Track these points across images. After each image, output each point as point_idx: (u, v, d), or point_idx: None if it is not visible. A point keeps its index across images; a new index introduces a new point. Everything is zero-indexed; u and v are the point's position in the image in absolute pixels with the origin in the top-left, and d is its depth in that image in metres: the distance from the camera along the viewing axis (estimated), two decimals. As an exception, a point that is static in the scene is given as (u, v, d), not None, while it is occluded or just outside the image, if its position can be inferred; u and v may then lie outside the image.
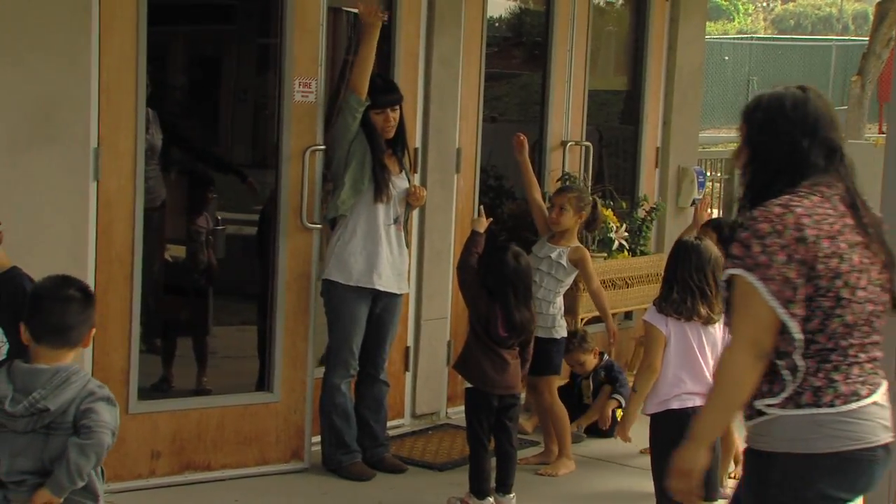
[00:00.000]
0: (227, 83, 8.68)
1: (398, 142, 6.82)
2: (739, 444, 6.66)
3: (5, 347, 4.89)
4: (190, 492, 6.21)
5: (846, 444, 3.66)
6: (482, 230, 6.47)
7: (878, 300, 3.75)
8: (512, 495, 6.36)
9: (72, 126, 5.98)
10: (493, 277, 6.28)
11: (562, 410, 7.01)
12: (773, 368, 3.69)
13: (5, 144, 5.81)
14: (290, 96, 6.64)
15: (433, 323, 7.84)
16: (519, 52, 9.38)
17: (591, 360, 7.75)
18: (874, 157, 9.08)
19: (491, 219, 6.66)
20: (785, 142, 3.79)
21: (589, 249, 8.21)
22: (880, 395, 3.75)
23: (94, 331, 4.33)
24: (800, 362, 3.66)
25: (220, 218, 7.87)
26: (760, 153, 3.86)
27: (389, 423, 7.19)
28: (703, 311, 5.48)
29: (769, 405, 3.70)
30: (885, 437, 3.73)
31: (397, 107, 6.76)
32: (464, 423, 6.73)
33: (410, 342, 7.75)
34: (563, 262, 7.01)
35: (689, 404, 5.44)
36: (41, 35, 5.85)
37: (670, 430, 5.45)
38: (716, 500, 5.67)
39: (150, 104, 6.42)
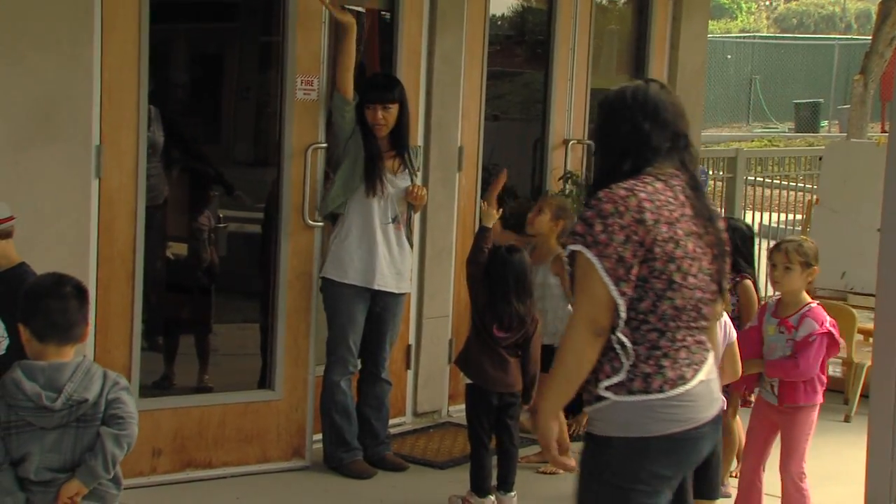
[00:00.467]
0: (229, 81, 8.68)
1: (399, 141, 6.81)
2: (742, 441, 6.67)
3: (6, 342, 4.90)
4: (191, 489, 6.22)
5: (676, 426, 3.85)
6: (490, 224, 6.47)
7: (706, 288, 3.92)
8: (513, 493, 6.37)
9: (74, 124, 5.99)
10: (491, 272, 6.29)
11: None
12: (610, 346, 3.85)
13: (8, 142, 5.81)
14: (292, 94, 6.65)
15: (435, 321, 7.84)
16: (521, 51, 9.38)
17: None
18: (877, 156, 9.08)
19: (501, 210, 6.65)
20: (626, 125, 3.96)
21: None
22: (705, 372, 3.94)
23: (90, 326, 4.36)
24: (627, 341, 3.83)
25: (221, 216, 7.87)
26: (605, 139, 4.06)
27: (391, 422, 7.20)
28: None
29: (607, 387, 3.85)
30: (710, 413, 3.96)
31: (390, 106, 6.74)
32: (465, 422, 6.74)
33: (412, 340, 7.76)
34: (550, 280, 7.02)
35: None
36: (43, 33, 5.86)
37: None
38: (716, 498, 5.67)
39: (152, 102, 6.42)
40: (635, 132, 3.95)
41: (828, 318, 6.04)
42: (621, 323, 3.81)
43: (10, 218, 5.24)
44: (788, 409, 6.02)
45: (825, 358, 6.03)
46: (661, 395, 3.84)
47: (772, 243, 7.15)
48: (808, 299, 6.11)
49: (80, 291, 4.29)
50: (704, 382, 3.93)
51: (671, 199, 3.87)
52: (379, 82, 6.97)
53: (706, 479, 5.57)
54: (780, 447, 6.09)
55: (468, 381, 6.46)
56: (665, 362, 3.85)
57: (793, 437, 6.04)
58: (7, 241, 5.21)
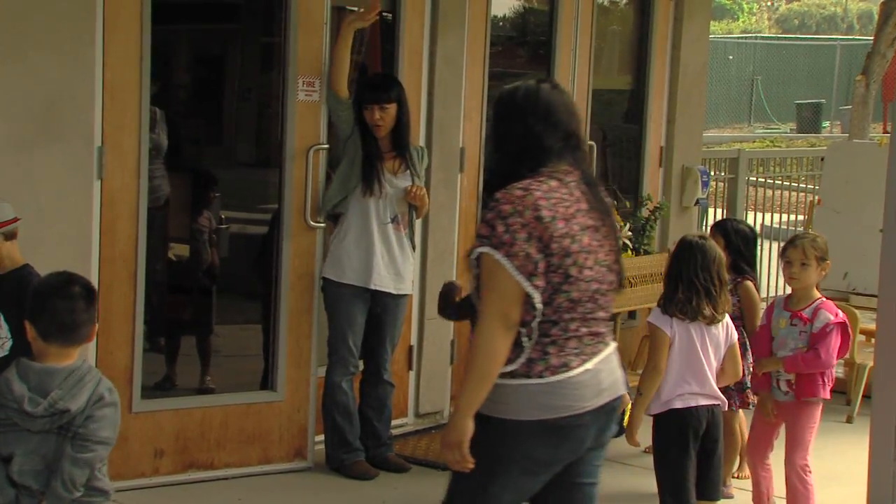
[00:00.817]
0: (230, 82, 8.69)
1: (399, 141, 6.81)
2: (743, 442, 6.68)
3: (9, 343, 4.91)
4: (193, 490, 6.22)
5: (552, 412, 3.97)
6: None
7: (603, 280, 4.07)
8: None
9: (76, 124, 6.00)
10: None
11: None
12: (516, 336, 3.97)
13: (10, 143, 5.82)
14: (293, 95, 6.66)
15: (437, 322, 7.82)
16: (523, 52, 9.38)
17: None
18: (878, 156, 9.09)
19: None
20: (519, 127, 4.10)
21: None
22: (595, 362, 4.05)
23: (97, 326, 4.34)
24: (536, 331, 3.95)
25: (223, 217, 7.88)
26: (501, 141, 4.20)
27: (393, 422, 7.20)
28: (708, 310, 5.47)
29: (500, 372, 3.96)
30: (595, 402, 4.05)
31: (387, 106, 6.74)
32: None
33: (414, 341, 7.76)
34: None
35: (693, 404, 5.45)
36: (45, 34, 5.87)
37: (673, 429, 5.47)
38: (718, 499, 5.67)
39: (154, 103, 6.42)
40: (528, 134, 4.08)
41: (839, 311, 6.14)
42: (538, 314, 3.94)
43: (15, 219, 5.25)
44: (797, 404, 6.07)
45: (840, 351, 6.10)
46: (540, 381, 3.97)
47: (773, 244, 7.16)
48: (819, 294, 6.19)
49: (89, 292, 4.29)
50: (591, 372, 4.04)
51: (566, 196, 4.01)
52: (375, 83, 6.98)
53: (707, 480, 5.58)
54: (784, 441, 6.14)
55: None
56: (551, 349, 3.99)
57: (799, 430, 6.09)
58: (12, 242, 5.22)
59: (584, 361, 4.03)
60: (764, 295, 9.00)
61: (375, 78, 7.24)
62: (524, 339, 3.97)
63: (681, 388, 5.45)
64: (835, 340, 6.01)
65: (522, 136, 4.09)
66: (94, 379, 4.20)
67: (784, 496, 6.23)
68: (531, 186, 3.97)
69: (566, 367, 3.99)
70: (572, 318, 4.00)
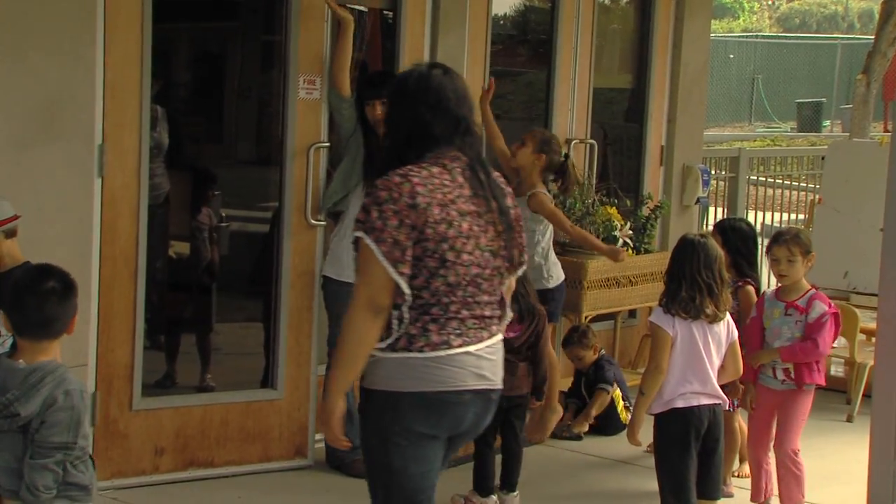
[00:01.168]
0: (231, 80, 8.68)
1: None
2: (742, 441, 6.69)
3: (9, 341, 4.91)
4: (193, 488, 6.23)
5: (430, 385, 4.08)
6: None
7: (485, 265, 4.13)
8: (516, 493, 6.38)
9: (76, 123, 6.00)
10: None
11: (554, 359, 6.91)
12: (389, 319, 4.07)
13: (10, 141, 5.83)
14: (294, 93, 6.66)
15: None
16: (524, 50, 9.39)
17: (589, 356, 7.77)
18: (879, 155, 9.08)
19: None
20: (408, 114, 4.18)
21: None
22: (478, 348, 4.15)
23: (76, 317, 4.30)
24: (406, 314, 4.05)
25: (224, 214, 7.88)
26: (393, 127, 4.30)
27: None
28: (710, 309, 5.47)
29: (376, 347, 4.08)
30: (475, 384, 4.15)
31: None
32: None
33: (415, 339, 7.75)
34: (526, 212, 6.83)
35: (694, 403, 5.45)
36: (46, 32, 5.87)
37: (675, 428, 5.47)
38: (718, 498, 5.68)
39: (155, 101, 6.42)
40: (417, 120, 4.16)
41: (830, 301, 6.35)
42: (408, 299, 4.04)
43: (15, 217, 5.25)
44: (794, 392, 6.20)
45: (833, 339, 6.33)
46: (419, 355, 4.07)
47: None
48: (808, 285, 6.35)
49: (65, 285, 4.23)
50: (473, 356, 4.14)
51: (447, 182, 4.09)
52: (374, 79, 6.99)
53: (708, 478, 5.58)
54: (777, 427, 6.25)
55: None
56: (432, 327, 4.09)
57: (794, 416, 6.22)
58: (12, 240, 5.22)
59: (466, 343, 4.13)
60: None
61: (375, 74, 7.26)
62: (394, 321, 4.06)
63: (683, 387, 5.45)
64: (830, 330, 6.20)
65: (412, 122, 4.18)
66: (53, 381, 4.14)
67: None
68: (410, 173, 4.07)
69: (447, 344, 4.10)
70: (452, 301, 4.09)
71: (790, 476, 6.25)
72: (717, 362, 5.55)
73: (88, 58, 6.02)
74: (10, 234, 5.20)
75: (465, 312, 4.12)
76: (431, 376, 4.09)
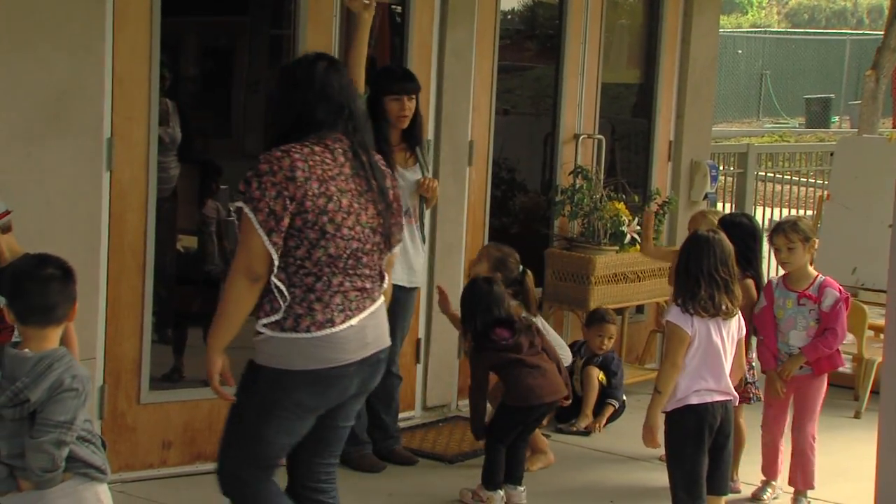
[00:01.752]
0: (239, 74, 8.70)
1: (412, 134, 6.81)
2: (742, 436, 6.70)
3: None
4: (200, 482, 6.23)
5: (317, 363, 4.34)
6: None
7: (365, 240, 4.40)
8: (522, 487, 6.38)
9: (85, 116, 6.01)
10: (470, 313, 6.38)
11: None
12: (269, 289, 4.32)
13: (19, 134, 5.83)
14: (303, 87, 6.64)
15: (444, 316, 7.84)
16: (532, 45, 9.39)
17: (611, 344, 7.77)
18: (888, 151, 9.10)
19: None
20: (296, 100, 4.44)
21: (600, 243, 8.22)
22: (360, 318, 4.42)
23: (77, 305, 4.33)
24: (282, 285, 4.29)
25: (232, 208, 7.88)
26: (277, 109, 4.53)
27: (400, 415, 7.21)
28: (727, 305, 5.46)
29: (265, 324, 4.34)
30: (359, 355, 4.43)
31: (413, 97, 6.74)
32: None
33: (422, 334, 7.77)
34: None
35: (708, 399, 5.44)
36: (55, 26, 5.87)
37: (689, 425, 5.46)
38: (727, 494, 5.68)
39: (163, 95, 6.42)
40: (303, 106, 4.42)
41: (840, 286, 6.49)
42: (276, 269, 4.27)
43: (7, 212, 5.24)
44: (811, 376, 6.38)
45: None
46: (306, 335, 4.31)
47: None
48: (816, 271, 6.50)
49: (64, 272, 4.26)
50: (356, 328, 4.40)
51: (328, 160, 4.35)
52: (401, 73, 6.93)
53: (717, 475, 5.59)
54: (795, 413, 6.42)
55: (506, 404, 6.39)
56: (317, 306, 4.32)
57: (812, 400, 6.40)
58: (9, 234, 5.22)
59: (349, 318, 4.38)
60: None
61: (398, 69, 7.16)
62: (275, 292, 4.31)
63: (697, 384, 5.45)
64: (845, 316, 6.40)
65: (298, 107, 4.43)
66: (61, 367, 4.17)
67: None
68: (292, 149, 4.32)
69: (331, 322, 4.33)
70: (334, 272, 4.34)
71: (806, 461, 6.39)
72: (730, 358, 5.55)
73: (97, 51, 6.03)
74: (6, 229, 5.20)
75: (347, 284, 4.37)
76: (319, 355, 4.35)
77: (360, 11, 6.48)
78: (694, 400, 5.45)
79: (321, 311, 4.32)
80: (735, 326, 5.56)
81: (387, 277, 4.61)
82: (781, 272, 6.64)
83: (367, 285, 4.46)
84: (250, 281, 4.30)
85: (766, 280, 6.82)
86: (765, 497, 6.55)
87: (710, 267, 5.44)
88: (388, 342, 4.62)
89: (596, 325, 7.81)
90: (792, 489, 6.51)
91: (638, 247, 8.43)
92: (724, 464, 5.62)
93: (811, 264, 6.55)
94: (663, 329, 8.14)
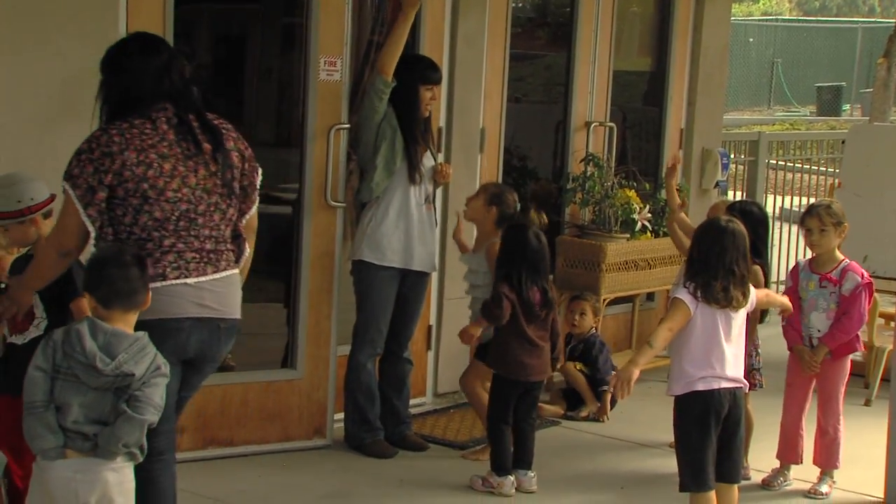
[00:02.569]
0: (252, 62, 8.70)
1: (428, 123, 6.82)
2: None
3: (44, 323, 4.97)
4: (213, 467, 6.26)
5: (150, 314, 4.46)
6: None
7: (197, 201, 4.56)
8: (532, 473, 6.40)
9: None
10: (513, 257, 6.31)
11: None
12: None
13: (35, 121, 5.85)
14: (315, 75, 6.66)
15: (455, 302, 7.85)
16: (543, 33, 9.38)
17: (587, 322, 7.76)
18: (899, 140, 9.07)
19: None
20: (115, 81, 4.68)
21: (612, 231, 8.22)
22: (198, 280, 4.57)
23: (150, 293, 4.45)
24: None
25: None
26: (103, 91, 4.72)
27: (411, 402, 7.22)
28: (738, 298, 5.43)
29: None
30: (194, 313, 4.57)
31: (438, 86, 6.82)
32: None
33: (433, 321, 7.78)
34: (483, 263, 6.81)
35: (715, 386, 5.43)
36: (69, 15, 5.89)
37: (696, 411, 5.46)
38: (739, 482, 5.68)
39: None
40: (124, 88, 4.64)
41: (864, 271, 6.52)
42: (93, 240, 4.51)
43: (52, 198, 5.29)
44: (832, 360, 6.45)
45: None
46: (158, 284, 4.47)
47: (794, 226, 7.24)
48: (842, 255, 6.54)
49: (139, 260, 4.40)
50: (191, 286, 4.56)
51: (148, 130, 4.54)
52: (430, 63, 6.93)
53: (729, 462, 5.58)
54: (820, 396, 6.53)
55: (498, 374, 6.44)
56: (148, 261, 4.47)
57: (835, 383, 6.49)
58: (48, 220, 5.28)
59: (183, 276, 4.54)
60: (775, 275, 9.01)
61: (426, 59, 7.12)
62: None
63: (704, 371, 5.43)
64: (864, 301, 6.43)
65: (120, 88, 4.65)
66: (151, 351, 4.36)
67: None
68: (110, 127, 4.56)
69: (162, 277, 4.50)
70: (164, 235, 4.52)
71: (831, 440, 6.50)
72: (740, 345, 5.53)
73: (111, 40, 6.01)
74: (47, 214, 5.26)
75: (180, 245, 4.55)
76: (152, 306, 4.45)
77: (408, 8, 6.51)
78: (700, 386, 5.44)
79: (152, 267, 4.48)
80: (744, 316, 5.54)
81: (247, 248, 4.81)
82: (808, 256, 6.77)
83: (208, 246, 4.62)
84: (59, 255, 4.64)
85: (771, 267, 6.84)
86: (776, 484, 6.56)
87: (731, 261, 5.38)
88: (233, 315, 4.72)
89: (568, 302, 7.81)
90: (799, 476, 6.55)
91: (649, 234, 8.44)
92: (735, 452, 5.61)
93: (838, 249, 6.57)
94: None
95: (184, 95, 4.66)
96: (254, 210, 4.80)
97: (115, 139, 4.51)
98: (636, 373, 5.33)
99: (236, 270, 4.74)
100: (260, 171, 4.81)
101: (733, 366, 5.49)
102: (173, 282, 4.54)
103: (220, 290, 4.65)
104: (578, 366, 7.71)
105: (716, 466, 5.53)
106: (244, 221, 4.78)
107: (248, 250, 4.81)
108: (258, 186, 4.80)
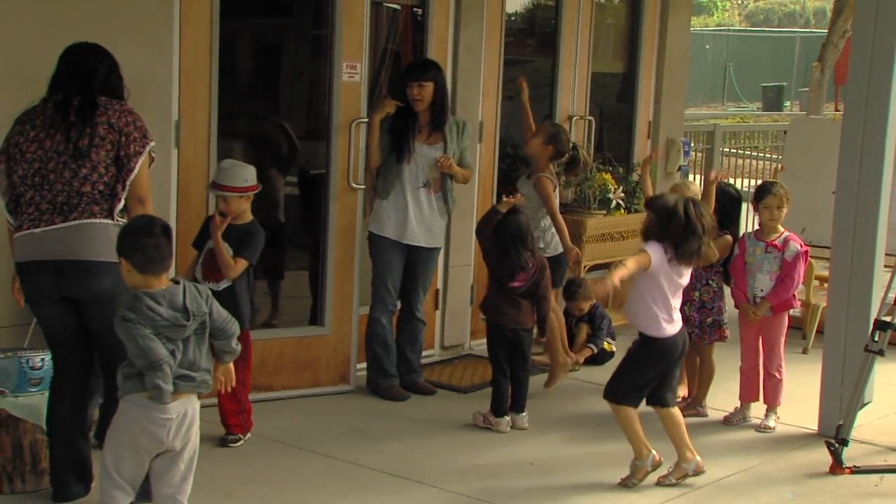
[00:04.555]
0: (285, 66, 8.65)
1: (436, 117, 6.76)
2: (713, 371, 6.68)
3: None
4: (255, 408, 6.24)
5: (17, 258, 4.81)
6: (503, 209, 6.35)
7: (47, 160, 4.77)
8: (524, 414, 6.39)
9: (156, 101, 5.99)
10: (497, 235, 6.27)
11: (555, 322, 6.91)
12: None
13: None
14: (339, 77, 6.63)
15: (459, 269, 7.85)
16: (532, 41, 9.32)
17: (587, 306, 7.76)
18: (832, 130, 9.01)
19: (518, 197, 6.45)
20: (55, 70, 4.92)
21: (591, 208, 8.21)
22: (42, 230, 4.72)
23: (173, 257, 4.51)
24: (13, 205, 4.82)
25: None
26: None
27: (422, 353, 7.21)
28: (698, 260, 5.45)
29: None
30: (36, 257, 4.74)
31: (425, 84, 6.67)
32: (484, 354, 6.76)
33: (440, 285, 7.77)
34: (533, 193, 6.91)
35: (671, 332, 5.42)
36: (131, 24, 5.86)
37: (655, 351, 5.43)
38: (672, 406, 5.62)
39: (222, 84, 6.37)
40: (53, 78, 4.93)
41: (801, 241, 6.57)
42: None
43: (258, 186, 5.70)
44: (774, 317, 6.46)
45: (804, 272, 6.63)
46: (16, 234, 4.81)
47: (743, 204, 7.22)
48: (783, 228, 6.55)
49: (167, 230, 4.39)
50: (36, 235, 4.72)
51: (37, 110, 4.84)
52: (415, 64, 6.95)
53: (669, 390, 5.56)
54: (764, 347, 6.55)
55: (487, 320, 6.45)
56: (19, 215, 4.78)
57: (776, 336, 6.50)
58: (248, 200, 5.69)
59: (33, 227, 4.73)
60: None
61: (417, 61, 7.17)
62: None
63: (666, 315, 5.41)
64: (802, 266, 6.46)
65: (51, 78, 4.93)
66: (194, 287, 4.39)
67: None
68: (23, 114, 4.88)
69: (20, 228, 4.77)
70: (26, 188, 4.76)
71: (775, 384, 6.52)
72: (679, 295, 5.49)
73: (167, 47, 6.01)
74: (249, 197, 5.65)
75: (37, 198, 4.75)
76: (16, 251, 4.81)
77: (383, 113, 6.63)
78: (668, 331, 5.42)
79: (17, 219, 4.78)
80: (689, 273, 5.52)
81: (119, 205, 4.80)
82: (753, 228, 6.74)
83: (60, 199, 4.74)
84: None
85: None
86: (735, 420, 6.57)
87: (706, 228, 5.35)
88: (79, 256, 4.75)
89: (569, 302, 7.78)
90: (759, 412, 6.56)
91: (623, 211, 8.40)
92: (673, 379, 5.61)
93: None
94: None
95: (74, 85, 4.85)
96: (131, 177, 4.80)
97: (18, 118, 4.88)
98: (614, 283, 5.17)
99: (96, 220, 4.75)
100: (146, 144, 4.85)
101: (679, 313, 5.47)
102: (24, 232, 4.74)
103: (63, 235, 4.72)
104: (587, 327, 7.71)
105: (657, 393, 5.50)
106: (126, 186, 4.79)
107: (136, 211, 4.81)
108: (137, 156, 4.82)
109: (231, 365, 4.59)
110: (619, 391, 5.51)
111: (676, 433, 5.53)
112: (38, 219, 4.74)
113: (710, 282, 6.55)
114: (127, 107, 4.93)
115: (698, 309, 6.54)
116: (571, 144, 7.22)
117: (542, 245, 6.95)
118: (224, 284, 5.71)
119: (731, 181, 11.77)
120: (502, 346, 6.31)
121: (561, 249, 7.07)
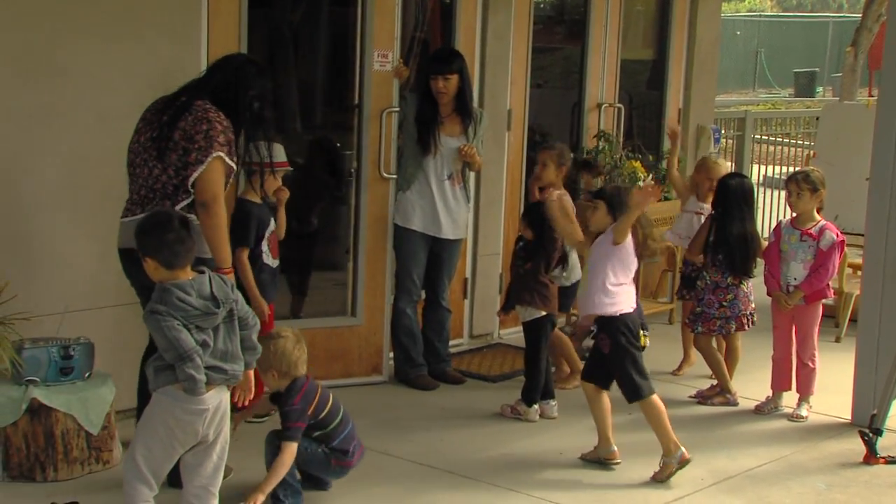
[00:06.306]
0: (316, 56, 8.64)
1: (461, 108, 6.75)
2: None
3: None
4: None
5: (118, 245, 4.91)
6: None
7: (136, 153, 4.94)
8: (554, 402, 6.37)
9: (186, 93, 5.99)
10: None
11: (561, 337, 6.89)
12: None
13: (132, 106, 5.76)
14: (370, 66, 6.61)
15: (487, 258, 7.84)
16: (561, 29, 9.29)
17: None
18: (866, 116, 8.95)
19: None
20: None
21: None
22: (130, 219, 4.82)
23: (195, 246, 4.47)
24: None
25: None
26: None
27: (450, 343, 7.21)
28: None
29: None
30: (121, 245, 4.89)
31: (449, 76, 6.65)
32: (512, 343, 6.77)
33: (468, 274, 7.76)
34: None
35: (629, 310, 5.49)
36: (160, 17, 5.87)
37: (620, 328, 5.47)
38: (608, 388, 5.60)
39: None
40: None
41: (838, 231, 6.54)
42: None
43: (286, 163, 5.86)
44: (807, 305, 6.43)
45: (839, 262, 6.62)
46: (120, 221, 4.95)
47: (776, 192, 7.22)
48: (820, 216, 6.54)
49: (185, 223, 4.37)
50: (125, 224, 4.85)
51: (154, 104, 5.09)
52: (440, 55, 6.91)
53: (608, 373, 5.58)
54: (797, 336, 6.52)
55: (541, 314, 6.27)
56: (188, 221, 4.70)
57: (809, 325, 6.47)
58: (277, 178, 5.85)
59: (124, 216, 4.91)
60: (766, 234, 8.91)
61: (441, 51, 7.12)
62: None
63: (631, 296, 5.52)
64: (837, 256, 6.44)
65: None
66: (216, 275, 4.40)
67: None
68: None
69: (123, 215, 4.94)
70: (128, 177, 4.98)
71: (808, 371, 6.48)
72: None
73: (195, 38, 6.02)
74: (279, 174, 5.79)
75: (133, 187, 4.95)
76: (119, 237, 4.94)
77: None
78: (626, 309, 5.47)
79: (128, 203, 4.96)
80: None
81: (183, 202, 4.80)
82: (788, 217, 6.74)
83: (142, 192, 4.88)
84: None
85: (757, 226, 6.85)
86: (766, 410, 6.52)
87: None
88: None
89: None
90: (791, 402, 6.52)
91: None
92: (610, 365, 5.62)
93: (818, 212, 6.56)
94: (673, 269, 8.14)
95: (197, 88, 5.02)
96: (189, 182, 4.78)
97: (146, 108, 5.10)
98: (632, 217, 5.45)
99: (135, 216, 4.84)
100: (209, 153, 4.75)
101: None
102: (123, 220, 4.91)
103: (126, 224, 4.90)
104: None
105: (603, 376, 5.57)
106: (188, 189, 4.80)
107: (204, 222, 4.79)
108: (198, 164, 4.76)
109: (251, 374, 4.57)
110: (635, 386, 5.48)
111: (657, 424, 5.51)
112: (128, 209, 4.92)
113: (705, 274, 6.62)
114: (211, 114, 4.86)
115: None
116: (571, 156, 6.98)
117: (564, 273, 6.70)
118: (276, 263, 5.96)
119: (760, 168, 11.71)
120: (547, 335, 6.31)
121: (577, 278, 6.71)
